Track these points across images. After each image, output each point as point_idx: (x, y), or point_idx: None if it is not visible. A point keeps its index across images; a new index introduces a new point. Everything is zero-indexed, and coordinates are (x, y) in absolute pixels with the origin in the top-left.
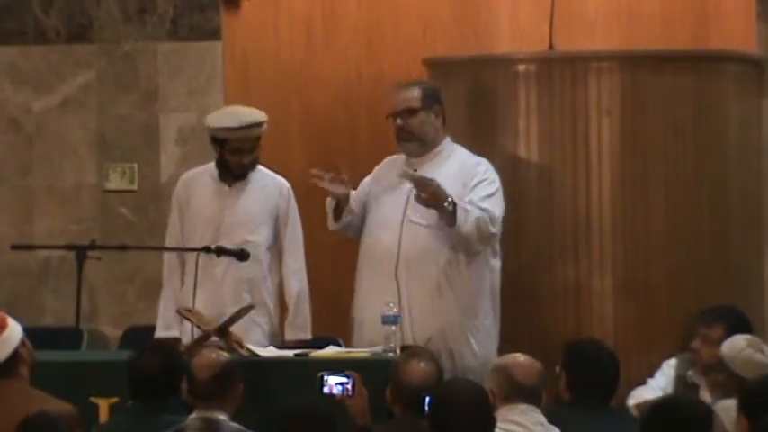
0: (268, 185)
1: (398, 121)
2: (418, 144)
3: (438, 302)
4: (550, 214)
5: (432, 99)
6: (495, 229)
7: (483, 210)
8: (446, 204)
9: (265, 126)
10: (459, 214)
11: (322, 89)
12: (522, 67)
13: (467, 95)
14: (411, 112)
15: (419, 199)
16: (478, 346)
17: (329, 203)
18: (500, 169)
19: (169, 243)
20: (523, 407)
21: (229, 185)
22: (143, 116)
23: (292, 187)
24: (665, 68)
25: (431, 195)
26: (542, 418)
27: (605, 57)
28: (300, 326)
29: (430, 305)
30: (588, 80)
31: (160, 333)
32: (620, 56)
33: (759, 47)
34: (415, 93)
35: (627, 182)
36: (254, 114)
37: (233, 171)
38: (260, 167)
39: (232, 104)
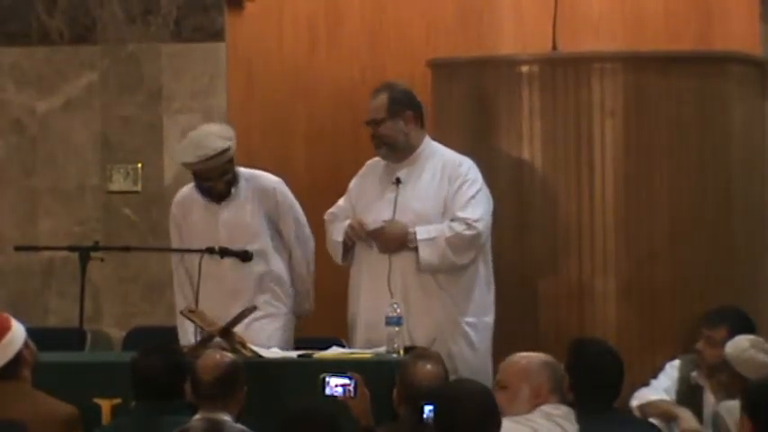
0: (256, 190)
1: (371, 130)
2: (389, 150)
3: (431, 305)
4: (554, 215)
5: (400, 105)
6: (474, 231)
7: (458, 219)
8: (408, 242)
9: (231, 150)
10: (422, 250)
11: (325, 90)
12: (525, 69)
13: (470, 97)
14: (377, 122)
15: (381, 250)
16: (477, 341)
17: (337, 245)
18: (503, 170)
19: (175, 264)
20: (566, 409)
21: (218, 203)
22: (147, 117)
23: (296, 187)
24: (669, 69)
25: (383, 244)
26: (577, 426)
27: (609, 58)
28: (303, 295)
29: (424, 308)
30: (591, 81)
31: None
32: (623, 57)
33: (763, 48)
34: (382, 101)
35: (630, 183)
36: (215, 142)
37: (212, 194)
38: (244, 171)
39: (235, 104)
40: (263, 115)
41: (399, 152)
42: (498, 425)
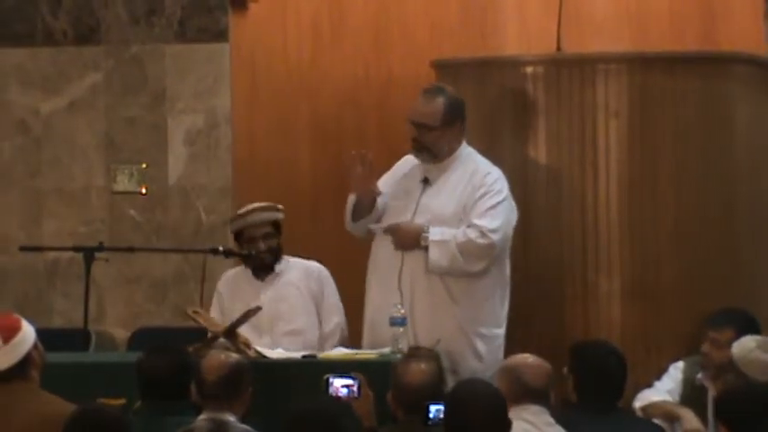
0: (301, 273)
1: (414, 131)
2: (429, 155)
3: (441, 312)
4: (558, 216)
5: (454, 115)
6: (487, 241)
7: (474, 226)
8: (421, 240)
9: (279, 213)
10: (432, 251)
11: (330, 90)
12: (529, 69)
13: (474, 97)
14: (426, 127)
15: (396, 246)
16: (485, 351)
17: (350, 201)
18: (508, 171)
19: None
20: (535, 408)
21: (262, 280)
22: (151, 118)
23: (300, 187)
24: (673, 70)
25: (399, 240)
26: (551, 420)
27: (613, 58)
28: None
29: (433, 315)
30: (596, 82)
31: None
32: (627, 57)
33: (767, 48)
34: (438, 107)
35: (635, 183)
36: (265, 202)
37: (256, 262)
38: (292, 259)
39: (240, 105)
40: (268, 115)
41: (437, 158)
42: (508, 426)
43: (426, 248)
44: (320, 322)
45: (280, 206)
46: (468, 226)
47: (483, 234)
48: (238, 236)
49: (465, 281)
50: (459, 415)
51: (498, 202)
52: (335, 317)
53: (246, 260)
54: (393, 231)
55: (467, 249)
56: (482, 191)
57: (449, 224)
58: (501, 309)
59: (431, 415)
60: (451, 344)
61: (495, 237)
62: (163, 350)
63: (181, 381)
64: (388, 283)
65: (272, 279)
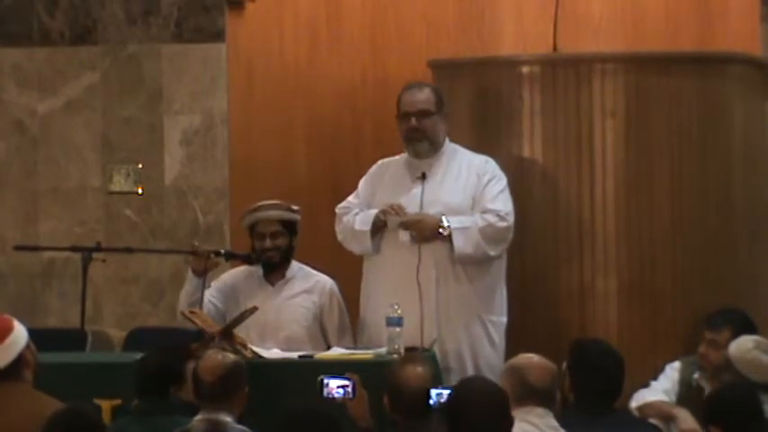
0: (311, 285)
1: (413, 121)
2: (429, 144)
3: (465, 301)
4: (555, 216)
5: (443, 104)
6: (506, 223)
7: (490, 211)
8: (441, 231)
9: (296, 214)
10: (456, 239)
11: (326, 91)
12: (526, 69)
13: (471, 97)
14: (426, 114)
15: (415, 239)
16: (498, 339)
17: (363, 234)
18: (504, 171)
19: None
20: (540, 411)
21: (272, 284)
22: (147, 118)
23: (296, 188)
24: (670, 70)
25: (421, 232)
26: (555, 424)
27: (609, 58)
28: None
29: (456, 304)
30: (592, 82)
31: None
32: (624, 58)
33: (763, 48)
34: (430, 95)
35: (631, 183)
36: (278, 200)
37: (263, 260)
38: (306, 268)
39: (236, 105)
40: (264, 116)
41: (434, 148)
42: (510, 424)
43: (445, 238)
44: (324, 335)
45: (295, 207)
46: (484, 211)
47: (501, 217)
48: (252, 232)
49: (479, 268)
50: (463, 412)
51: (504, 187)
52: (347, 333)
53: (248, 261)
54: (414, 223)
55: (488, 234)
56: (487, 177)
57: (461, 214)
58: (504, 297)
59: (431, 401)
60: (471, 331)
61: (511, 219)
62: (160, 350)
63: (177, 380)
64: (402, 278)
65: (281, 285)
